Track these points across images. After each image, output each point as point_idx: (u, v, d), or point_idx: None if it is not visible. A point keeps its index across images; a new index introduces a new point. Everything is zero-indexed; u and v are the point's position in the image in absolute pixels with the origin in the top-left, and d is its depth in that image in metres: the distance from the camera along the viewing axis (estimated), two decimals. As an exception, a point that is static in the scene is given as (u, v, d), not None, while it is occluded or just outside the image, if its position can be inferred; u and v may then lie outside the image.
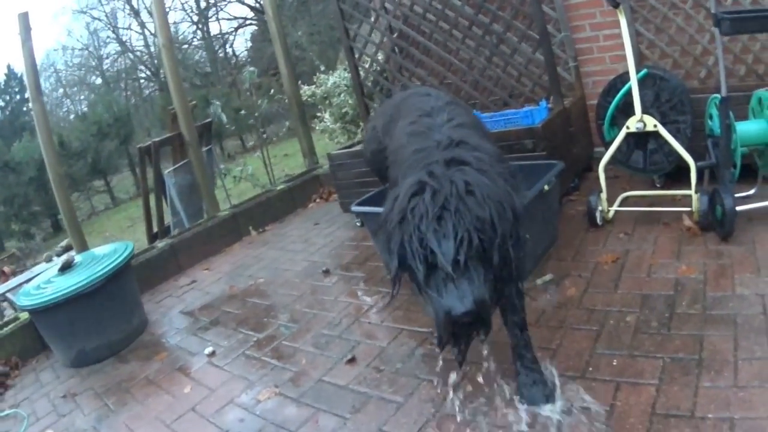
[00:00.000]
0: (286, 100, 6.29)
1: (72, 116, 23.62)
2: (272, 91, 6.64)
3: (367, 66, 5.13)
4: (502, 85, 4.35)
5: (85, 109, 23.27)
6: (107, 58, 24.74)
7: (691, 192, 3.14)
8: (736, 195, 3.03)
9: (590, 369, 2.21)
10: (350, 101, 5.97)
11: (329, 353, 2.86)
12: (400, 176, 2.02)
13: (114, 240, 4.98)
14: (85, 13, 23.73)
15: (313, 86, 6.43)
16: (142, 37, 25.00)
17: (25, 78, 4.86)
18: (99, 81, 24.56)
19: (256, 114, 6.03)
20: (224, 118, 6.12)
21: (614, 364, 2.20)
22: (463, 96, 4.50)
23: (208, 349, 3.21)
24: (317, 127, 6.68)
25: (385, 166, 2.59)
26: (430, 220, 1.67)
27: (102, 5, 24.13)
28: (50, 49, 26.01)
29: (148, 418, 2.72)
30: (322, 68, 6.60)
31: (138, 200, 15.75)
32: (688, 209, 3.20)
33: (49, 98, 23.34)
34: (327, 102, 6.30)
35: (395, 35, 4.94)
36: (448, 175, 1.77)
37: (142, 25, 24.57)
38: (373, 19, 4.98)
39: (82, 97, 24.39)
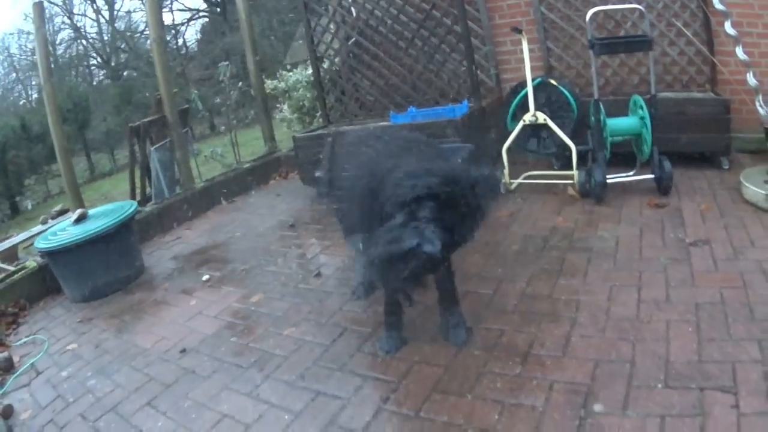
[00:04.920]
0: (252, 92, 7.24)
1: (22, 101, 23.53)
2: (240, 83, 7.56)
3: (326, 67, 6.18)
4: (434, 87, 5.47)
5: (35, 95, 23.24)
6: (60, 44, 24.83)
7: (574, 168, 4.30)
8: (621, 174, 4.26)
9: (481, 273, 3.34)
10: (308, 95, 6.98)
11: (301, 272, 3.93)
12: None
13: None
14: (44, -4, 23.67)
15: (276, 81, 7.40)
16: (96, 24, 25.20)
17: (38, 62, 5.62)
18: (51, 67, 24.47)
19: (228, 103, 6.99)
20: (200, 105, 7.04)
21: (499, 271, 3.35)
22: (402, 93, 5.60)
23: (205, 277, 4.18)
24: (277, 117, 7.66)
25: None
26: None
27: (61, -11, 24.15)
28: (6, 33, 25.88)
29: (165, 323, 3.62)
30: (288, 67, 7.58)
31: (92, 184, 16.33)
32: (572, 182, 4.35)
33: (3, 82, 23.32)
34: (287, 95, 7.28)
35: (350, 42, 5.99)
36: None
37: (98, 11, 24.79)
38: (333, 30, 6.03)
39: (33, 82, 24.31)
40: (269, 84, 7.25)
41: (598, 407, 2.14)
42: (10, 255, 5.80)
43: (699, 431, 1.95)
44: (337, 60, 6.22)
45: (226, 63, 6.67)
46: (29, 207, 16.60)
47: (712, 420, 1.98)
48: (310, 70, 6.60)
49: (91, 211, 4.74)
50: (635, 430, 2.00)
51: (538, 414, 2.17)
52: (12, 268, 4.72)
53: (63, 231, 4.44)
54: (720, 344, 2.37)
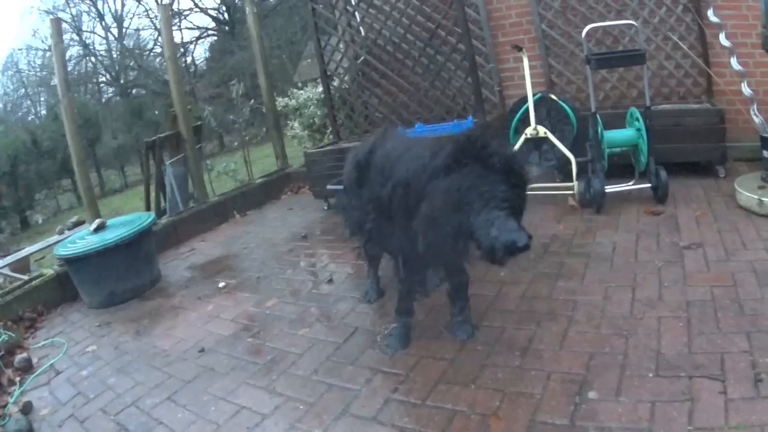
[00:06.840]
0: (264, 110, 7.47)
1: (31, 117, 23.74)
2: (252, 101, 7.79)
3: (335, 85, 6.40)
4: (440, 104, 5.67)
5: (44, 112, 23.47)
6: (69, 60, 24.99)
7: (573, 179, 4.46)
8: (619, 184, 4.43)
9: (485, 277, 3.50)
10: (319, 113, 7.19)
11: (314, 278, 4.10)
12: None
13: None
14: (51, 14, 23.90)
15: (287, 98, 7.62)
16: (105, 41, 25.41)
17: (56, 75, 5.83)
18: (69, 80, 24.63)
19: (240, 120, 7.22)
20: (213, 122, 7.28)
21: (501, 275, 3.51)
22: (409, 110, 5.81)
23: (221, 284, 4.35)
24: (288, 134, 7.87)
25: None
26: None
27: (69, 7, 24.36)
28: (15, 49, 26.16)
29: (182, 326, 3.79)
30: (300, 85, 7.81)
31: (103, 200, 16.52)
32: (572, 192, 4.51)
33: (11, 98, 23.59)
34: (298, 113, 7.50)
35: (359, 61, 6.22)
36: None
37: (107, 29, 25.06)
38: (343, 49, 6.26)
39: (42, 98, 24.50)
40: (280, 101, 7.47)
41: (592, 394, 2.30)
42: (23, 266, 6.02)
43: (688, 415, 2.09)
44: (346, 78, 6.44)
45: (238, 81, 6.88)
46: (39, 221, 16.83)
47: (701, 404, 2.12)
48: (320, 88, 6.83)
49: (109, 221, 4.93)
50: (627, 413, 2.15)
51: (536, 400, 2.32)
52: (25, 278, 4.90)
53: (82, 239, 4.62)
54: (709, 337, 2.51)
